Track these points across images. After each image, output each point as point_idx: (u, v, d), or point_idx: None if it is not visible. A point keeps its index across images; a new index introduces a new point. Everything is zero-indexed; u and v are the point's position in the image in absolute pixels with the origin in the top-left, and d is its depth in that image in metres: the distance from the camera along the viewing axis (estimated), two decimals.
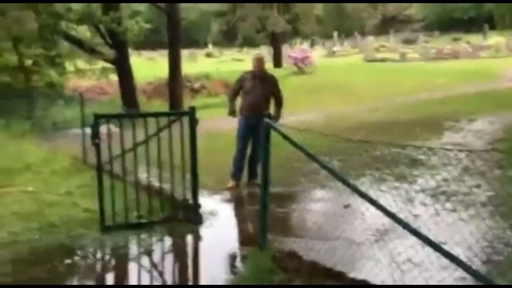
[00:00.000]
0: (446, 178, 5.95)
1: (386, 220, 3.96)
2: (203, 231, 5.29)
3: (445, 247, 3.32)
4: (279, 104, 6.60)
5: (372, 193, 4.28)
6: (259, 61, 6.52)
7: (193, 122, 5.37)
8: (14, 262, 4.51)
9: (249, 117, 6.31)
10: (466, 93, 14.96)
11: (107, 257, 4.82)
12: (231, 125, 6.94)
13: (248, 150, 6.56)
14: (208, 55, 42.14)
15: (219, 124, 8.93)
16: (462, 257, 3.37)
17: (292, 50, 26.71)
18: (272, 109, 6.47)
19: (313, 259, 4.03)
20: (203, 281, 4.27)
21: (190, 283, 4.31)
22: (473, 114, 11.03)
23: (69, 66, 14.78)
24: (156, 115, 5.72)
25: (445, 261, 3.44)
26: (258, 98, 6.34)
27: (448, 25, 47.18)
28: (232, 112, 6.66)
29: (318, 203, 5.53)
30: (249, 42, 40.48)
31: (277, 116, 6.32)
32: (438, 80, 18.21)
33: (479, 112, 11.22)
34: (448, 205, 5.14)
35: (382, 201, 3.75)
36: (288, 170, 6.00)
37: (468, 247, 3.77)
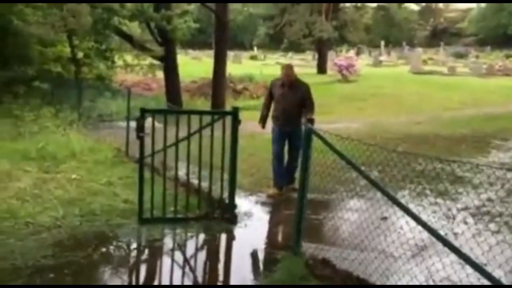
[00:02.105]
0: (491, 198, 5.75)
1: (425, 236, 3.88)
2: (237, 231, 5.32)
3: (486, 269, 3.20)
4: (309, 112, 6.09)
5: (412, 208, 4.18)
6: (287, 69, 6.27)
7: (236, 123, 5.40)
8: (55, 245, 4.68)
9: (281, 126, 6.24)
10: None
11: (142, 248, 4.91)
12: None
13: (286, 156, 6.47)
14: (253, 57, 42.42)
15: (260, 127, 8.94)
16: (504, 280, 3.25)
17: (338, 57, 26.49)
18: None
19: (347, 268, 3.97)
20: (233, 280, 4.29)
21: (221, 281, 4.33)
22: None
23: (118, 60, 15.20)
24: (200, 113, 5.80)
25: (485, 283, 3.32)
26: (288, 107, 6.15)
27: (501, 41, 45.65)
28: (261, 120, 6.48)
29: (354, 213, 5.45)
30: (295, 47, 40.47)
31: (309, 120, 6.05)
32: (488, 96, 17.62)
33: None
34: (492, 226, 4.96)
35: (422, 217, 3.66)
36: (325, 177, 5.95)
37: (511, 270, 3.62)
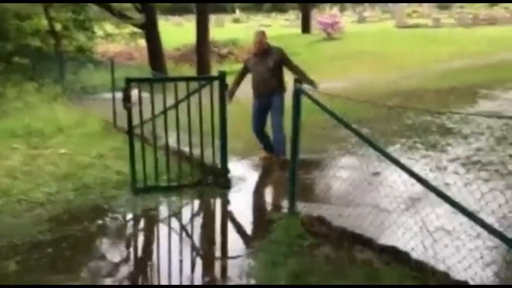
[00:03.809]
0: (480, 148, 5.81)
1: (418, 188, 3.91)
2: (232, 195, 5.35)
3: (479, 216, 3.26)
4: (299, 72, 5.97)
5: (403, 161, 4.20)
6: (259, 36, 6.04)
7: (223, 87, 5.34)
8: (51, 220, 4.67)
9: (260, 97, 6.11)
10: (503, 60, 14.43)
11: (138, 218, 4.92)
12: None
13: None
14: (235, 20, 41.68)
15: (246, 90, 8.87)
16: (496, 226, 3.31)
17: (322, 16, 26.10)
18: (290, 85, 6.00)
19: (342, 225, 4.03)
20: (231, 243, 4.33)
21: (219, 245, 4.37)
22: (509, 82, 10.65)
23: (98, 30, 14.84)
24: (187, 79, 5.71)
25: (478, 230, 3.39)
26: (263, 75, 5.98)
27: None
28: (228, 94, 5.95)
29: (346, 171, 5.49)
30: (278, 7, 39.74)
31: (310, 82, 5.78)
32: (474, 47, 17.60)
33: None
34: (483, 174, 5.03)
35: (414, 170, 3.68)
36: (316, 137, 5.95)
37: (503, 216, 3.69)
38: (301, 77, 5.70)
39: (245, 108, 8.16)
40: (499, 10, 32.47)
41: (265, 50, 6.03)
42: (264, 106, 6.11)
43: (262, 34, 6.12)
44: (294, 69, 6.04)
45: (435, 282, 3.10)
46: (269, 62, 5.97)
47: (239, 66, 6.14)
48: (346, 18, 31.64)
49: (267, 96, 6.06)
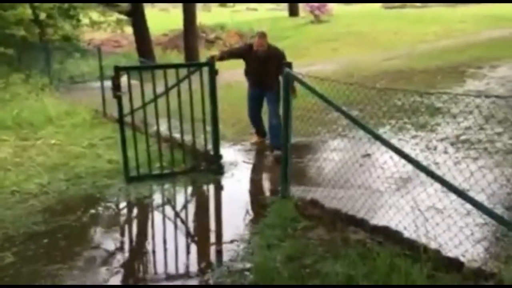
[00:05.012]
0: (468, 126, 5.88)
1: (408, 168, 3.97)
2: (225, 181, 5.38)
3: (469, 194, 3.32)
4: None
5: (394, 142, 4.26)
6: (260, 38, 5.86)
7: (213, 73, 5.33)
8: (45, 211, 4.68)
9: (255, 88, 6.12)
10: (490, 38, 14.50)
11: (132, 206, 4.94)
12: None
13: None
14: (222, 5, 41.22)
15: (236, 76, 8.86)
16: (486, 204, 3.38)
17: None
18: None
19: (335, 207, 4.08)
20: (226, 228, 4.37)
21: (213, 230, 4.42)
22: (496, 60, 10.72)
23: (83, 18, 14.63)
24: (176, 66, 5.69)
25: (468, 207, 3.47)
26: (260, 74, 5.92)
27: None
28: (217, 57, 5.78)
29: (337, 153, 5.54)
30: None
31: (287, 65, 5.67)
32: (460, 26, 17.65)
33: (503, 58, 10.88)
34: (472, 153, 5.10)
35: (404, 150, 3.73)
36: (306, 121, 5.98)
37: (492, 193, 3.77)
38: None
39: (236, 94, 8.18)
40: None
41: (266, 51, 5.86)
42: (259, 95, 6.12)
43: (263, 36, 5.92)
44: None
45: (427, 259, 3.16)
46: (271, 64, 5.74)
47: None
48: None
49: (262, 89, 6.05)
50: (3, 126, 7.46)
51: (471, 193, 3.32)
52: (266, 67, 5.82)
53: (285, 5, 30.21)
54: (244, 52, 6.16)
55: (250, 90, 6.24)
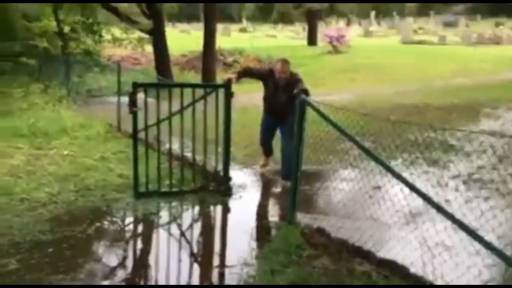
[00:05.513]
0: (481, 166, 5.83)
1: (418, 203, 3.94)
2: (233, 203, 5.37)
3: (479, 233, 3.28)
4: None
5: (405, 177, 4.23)
6: (283, 66, 5.71)
7: (229, 95, 5.38)
8: (52, 220, 4.69)
9: (271, 115, 6.00)
10: (509, 79, 14.48)
11: (138, 221, 4.94)
12: None
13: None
14: (242, 30, 41.89)
15: (252, 99, 8.93)
16: (496, 244, 3.33)
17: (328, 28, 26.25)
18: None
19: (342, 236, 4.04)
20: (230, 251, 4.34)
21: (218, 252, 4.39)
22: None
23: (105, 34, 14.94)
24: (193, 86, 5.75)
25: (477, 247, 3.41)
26: (278, 101, 5.77)
27: (491, 9, 45.41)
28: (236, 76, 5.71)
29: (347, 183, 5.52)
30: (284, 19, 39.95)
31: (304, 92, 5.09)
32: (478, 65, 17.66)
33: None
34: (483, 192, 5.05)
35: (415, 185, 3.70)
36: (318, 149, 5.98)
37: (502, 234, 3.71)
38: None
39: (251, 117, 8.23)
40: (504, 30, 32.63)
41: (287, 79, 5.72)
42: (274, 124, 6.03)
43: (285, 63, 5.77)
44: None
45: None
46: (289, 92, 5.44)
47: None
48: (352, 32, 31.77)
49: (277, 119, 5.91)
50: (19, 134, 7.57)
51: (481, 233, 3.26)
52: (286, 95, 5.61)
53: (304, 34, 30.61)
54: (264, 75, 6.03)
55: (265, 117, 6.14)
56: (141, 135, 5.41)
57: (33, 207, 4.97)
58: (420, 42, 26.80)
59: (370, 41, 28.00)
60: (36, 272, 3.74)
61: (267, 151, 6.35)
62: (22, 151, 6.78)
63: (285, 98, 5.67)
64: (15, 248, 4.10)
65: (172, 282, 3.81)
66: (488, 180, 5.39)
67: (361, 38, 31.16)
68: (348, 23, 40.61)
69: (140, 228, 4.89)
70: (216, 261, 4.20)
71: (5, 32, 12.67)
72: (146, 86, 5.50)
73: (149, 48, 15.44)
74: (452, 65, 17.59)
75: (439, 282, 3.23)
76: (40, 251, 4.07)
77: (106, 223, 4.79)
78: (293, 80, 5.67)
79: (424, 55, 19.99)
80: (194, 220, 5.09)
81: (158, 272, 3.93)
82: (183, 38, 26.38)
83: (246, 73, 6.16)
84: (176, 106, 5.40)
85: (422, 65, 17.67)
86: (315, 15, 27.75)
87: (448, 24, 38.94)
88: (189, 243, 4.60)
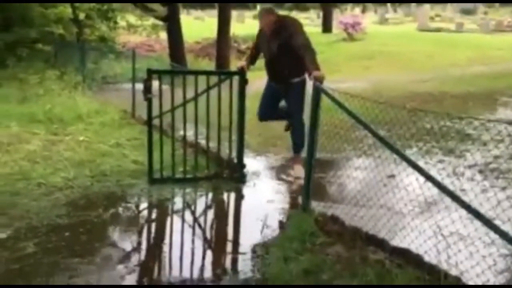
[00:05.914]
0: (498, 155, 5.75)
1: (433, 192, 3.91)
2: (246, 190, 5.39)
3: (495, 223, 3.24)
4: (310, 63, 4.72)
5: (420, 165, 4.19)
6: (265, 17, 5.00)
7: (243, 82, 5.37)
8: (68, 205, 4.76)
9: (272, 81, 5.46)
10: None
11: (153, 207, 4.99)
12: None
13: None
14: (256, 17, 41.62)
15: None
16: None
17: (343, 16, 25.97)
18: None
19: (355, 225, 4.03)
20: (243, 237, 4.36)
21: (231, 238, 4.41)
22: None
23: (120, 21, 14.98)
24: (208, 73, 5.74)
25: (493, 237, 3.38)
26: (274, 60, 5.12)
27: None
28: (243, 68, 5.26)
29: (362, 171, 5.49)
30: (299, 5, 39.59)
31: (316, 76, 4.54)
32: (496, 53, 17.35)
33: None
34: (500, 182, 4.99)
35: (430, 174, 3.67)
36: (332, 137, 5.95)
37: None
38: (310, 70, 4.70)
39: None
40: None
41: (274, 29, 4.96)
42: (276, 93, 5.38)
43: (266, 14, 4.99)
44: (304, 55, 4.78)
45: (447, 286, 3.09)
46: (280, 43, 4.84)
47: (258, 62, 6.02)
48: (368, 19, 31.38)
49: (279, 83, 5.27)
50: (35, 119, 7.66)
51: (497, 222, 3.23)
52: (277, 47, 4.94)
53: (319, 21, 30.31)
54: (259, 42, 5.35)
55: (268, 84, 5.52)
56: (156, 121, 5.43)
57: (49, 191, 5.05)
58: (437, 30, 26.40)
59: (386, 29, 27.66)
60: (53, 255, 3.80)
61: (272, 117, 5.63)
62: (39, 136, 6.86)
63: (277, 49, 5.00)
64: (33, 232, 4.18)
65: (186, 267, 3.84)
66: (505, 170, 5.32)
67: (376, 25, 30.79)
68: (364, 10, 40.09)
69: (154, 214, 4.94)
70: (229, 246, 4.22)
71: (22, 18, 12.78)
72: (160, 73, 5.51)
73: (163, 35, 15.47)
74: (469, 52, 17.31)
75: (453, 271, 3.21)
76: (57, 235, 4.13)
77: (121, 208, 4.85)
78: (284, 25, 4.97)
79: (440, 42, 19.69)
80: (208, 207, 5.13)
81: (172, 257, 3.97)
82: (198, 25, 26.35)
83: (252, 55, 5.61)
84: (190, 93, 5.40)
85: (438, 52, 17.41)
86: (330, 2, 27.46)
87: (466, 11, 38.24)
88: (202, 229, 4.63)
